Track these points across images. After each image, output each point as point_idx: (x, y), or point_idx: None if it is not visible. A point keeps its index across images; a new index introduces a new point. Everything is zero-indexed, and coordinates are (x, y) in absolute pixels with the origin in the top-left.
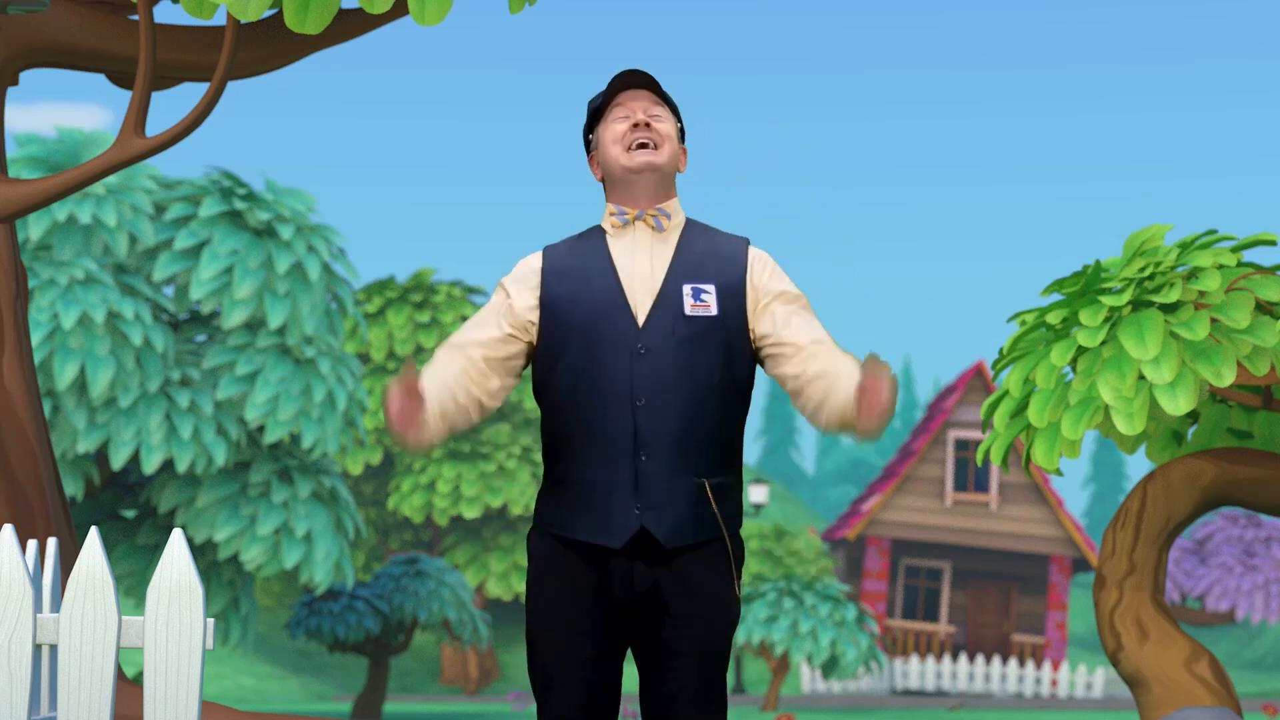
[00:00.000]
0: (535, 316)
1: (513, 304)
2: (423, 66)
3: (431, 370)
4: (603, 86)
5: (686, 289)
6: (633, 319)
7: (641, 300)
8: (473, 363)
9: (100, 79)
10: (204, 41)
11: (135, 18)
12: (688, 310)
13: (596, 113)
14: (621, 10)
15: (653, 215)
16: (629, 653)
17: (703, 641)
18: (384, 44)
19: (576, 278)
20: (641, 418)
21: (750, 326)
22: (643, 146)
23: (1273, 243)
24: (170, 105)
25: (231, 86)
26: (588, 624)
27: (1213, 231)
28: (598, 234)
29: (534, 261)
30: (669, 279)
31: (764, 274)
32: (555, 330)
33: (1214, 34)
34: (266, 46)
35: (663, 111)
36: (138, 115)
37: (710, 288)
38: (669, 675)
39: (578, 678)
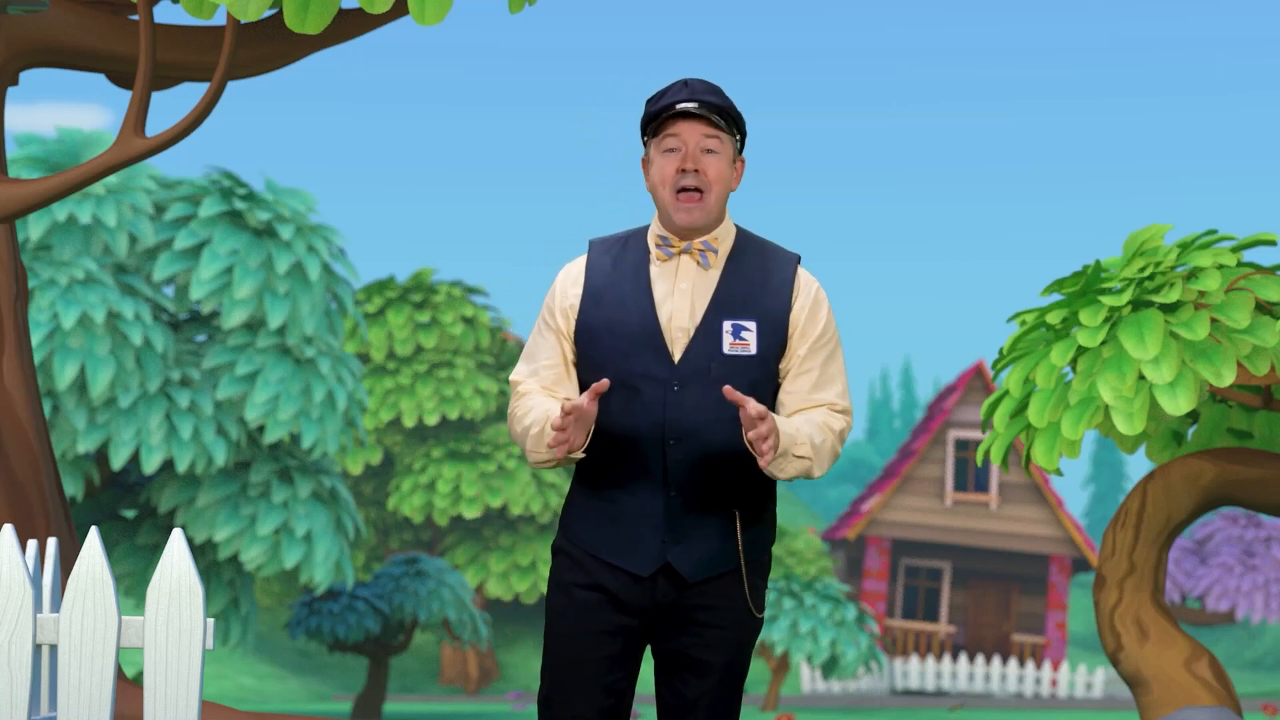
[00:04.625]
0: (574, 335)
1: (564, 343)
2: (423, 66)
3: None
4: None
5: (726, 325)
6: (668, 355)
7: (678, 337)
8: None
9: (100, 79)
10: (204, 41)
11: (135, 18)
12: (726, 349)
13: (650, 119)
14: (621, 10)
15: (700, 250)
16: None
17: (725, 653)
18: (384, 44)
19: (614, 304)
20: (673, 454)
21: (785, 360)
22: (689, 194)
23: (1273, 243)
24: (170, 105)
25: (231, 86)
26: (606, 626)
27: (1213, 231)
28: (642, 252)
29: (575, 283)
30: (709, 315)
31: (803, 307)
32: (591, 355)
33: (1214, 34)
34: (266, 46)
35: (717, 141)
36: (138, 115)
37: (751, 325)
38: (690, 684)
39: (593, 678)
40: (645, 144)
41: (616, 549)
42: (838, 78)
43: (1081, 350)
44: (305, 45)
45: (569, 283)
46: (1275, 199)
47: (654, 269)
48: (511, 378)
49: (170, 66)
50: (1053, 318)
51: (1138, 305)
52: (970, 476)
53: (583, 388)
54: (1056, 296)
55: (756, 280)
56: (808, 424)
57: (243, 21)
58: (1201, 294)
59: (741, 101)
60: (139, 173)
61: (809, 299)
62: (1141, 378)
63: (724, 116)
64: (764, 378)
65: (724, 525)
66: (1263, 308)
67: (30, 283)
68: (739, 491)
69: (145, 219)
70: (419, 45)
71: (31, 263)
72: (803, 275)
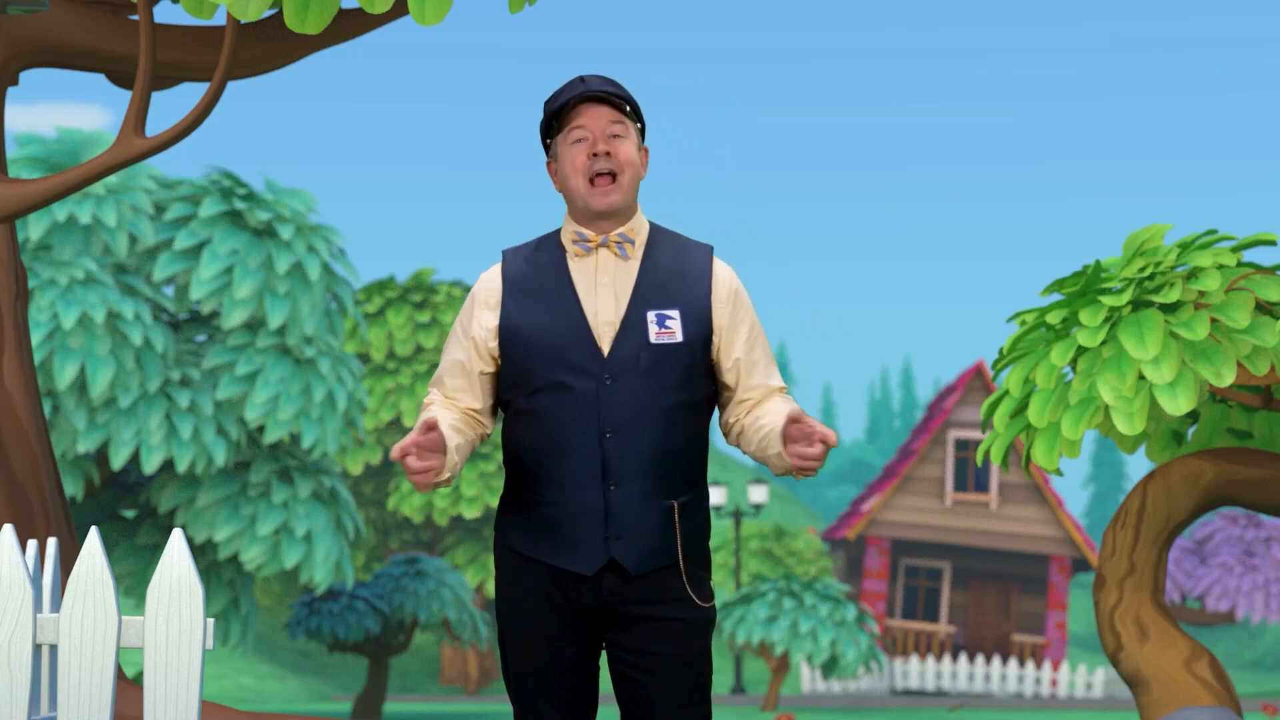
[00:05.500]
0: (495, 344)
1: (473, 354)
2: (423, 66)
3: (436, 411)
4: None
5: (651, 316)
6: (597, 349)
7: (605, 330)
8: (466, 412)
9: (100, 79)
10: (204, 41)
11: (135, 18)
12: (653, 338)
13: (553, 118)
14: (620, 10)
15: (616, 242)
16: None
17: (673, 646)
18: (384, 44)
19: (538, 304)
20: (610, 448)
21: (713, 348)
22: (603, 178)
23: (1273, 243)
24: (170, 105)
25: (231, 86)
26: (558, 630)
27: (1213, 231)
28: (558, 251)
29: (493, 291)
30: (632, 306)
31: (726, 298)
32: (518, 357)
33: (1214, 34)
34: (266, 46)
35: (623, 126)
36: (138, 115)
37: (675, 313)
38: (645, 680)
39: (553, 683)
40: (548, 146)
41: (559, 550)
42: (838, 78)
43: (1081, 350)
44: (305, 45)
45: (487, 290)
46: (1275, 199)
47: (572, 265)
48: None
49: (170, 66)
50: (1053, 318)
51: (1138, 305)
52: (970, 476)
53: (510, 387)
54: (1056, 296)
55: (675, 270)
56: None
57: (243, 21)
58: (1201, 294)
59: (740, 101)
60: (139, 173)
61: (732, 288)
62: (1141, 378)
63: (626, 102)
64: (693, 364)
65: (663, 517)
66: (1263, 308)
67: (30, 283)
68: (676, 483)
69: (145, 219)
70: (419, 45)
71: (31, 263)
72: (718, 264)
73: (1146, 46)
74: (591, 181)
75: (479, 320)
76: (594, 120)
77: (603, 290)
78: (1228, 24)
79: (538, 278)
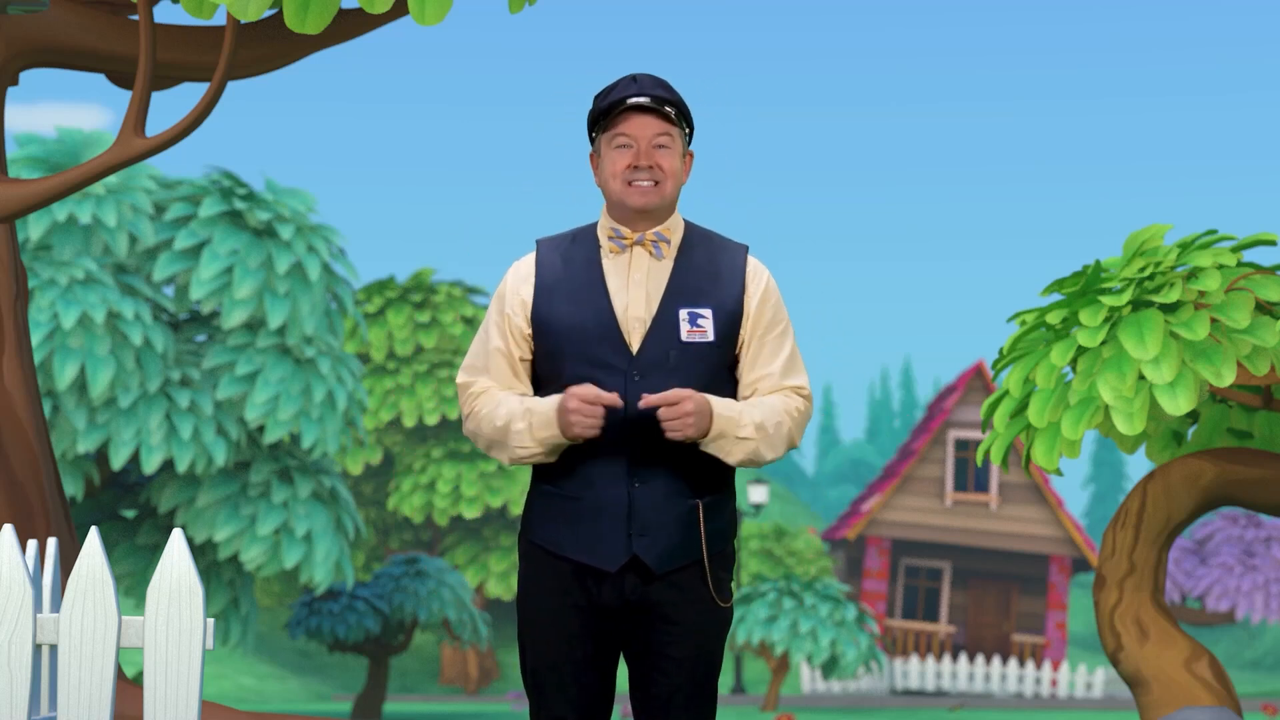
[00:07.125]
0: (530, 332)
1: (512, 344)
2: (423, 66)
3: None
4: (604, 86)
5: (683, 314)
6: (626, 345)
7: (635, 326)
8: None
9: (100, 79)
10: (204, 41)
11: (135, 18)
12: (684, 336)
13: (600, 115)
14: (621, 10)
15: (652, 241)
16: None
17: (694, 647)
18: (384, 44)
19: (568, 297)
20: (636, 445)
21: (739, 345)
22: (643, 184)
23: (1273, 243)
24: (170, 105)
25: (231, 86)
26: (578, 628)
27: (1213, 231)
28: (593, 245)
29: (526, 280)
30: (665, 304)
31: (757, 298)
32: (548, 349)
33: (1214, 34)
34: (266, 46)
35: (669, 136)
36: (138, 115)
37: (707, 312)
38: (661, 680)
39: (570, 680)
40: (593, 139)
41: (583, 545)
42: (838, 78)
43: (1081, 350)
44: (305, 45)
45: (519, 280)
46: (1275, 199)
47: (606, 262)
48: (459, 380)
49: (170, 66)
50: (1053, 318)
51: (1138, 305)
52: (970, 476)
53: (539, 383)
54: (1056, 296)
55: (709, 269)
56: (759, 407)
57: (243, 21)
58: (1201, 294)
59: (740, 101)
60: (139, 173)
61: (762, 287)
62: (1141, 378)
63: (674, 109)
64: (721, 364)
65: (687, 516)
66: (1263, 308)
67: (30, 283)
68: (701, 482)
69: (145, 219)
70: (419, 45)
71: (31, 263)
72: (753, 263)
73: (1146, 46)
74: (629, 184)
75: (513, 309)
76: (640, 129)
77: (635, 287)
78: (1228, 24)
79: (570, 272)
